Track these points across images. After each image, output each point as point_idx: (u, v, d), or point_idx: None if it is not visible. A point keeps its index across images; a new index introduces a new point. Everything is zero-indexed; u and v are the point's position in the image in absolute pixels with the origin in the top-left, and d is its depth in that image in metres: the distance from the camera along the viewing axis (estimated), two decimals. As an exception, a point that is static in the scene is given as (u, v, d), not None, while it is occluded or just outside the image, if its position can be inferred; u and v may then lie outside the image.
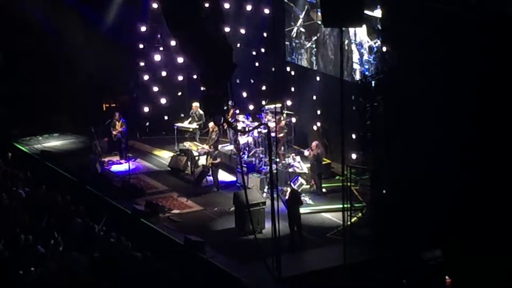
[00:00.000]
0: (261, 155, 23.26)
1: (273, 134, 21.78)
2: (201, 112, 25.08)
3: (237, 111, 25.35)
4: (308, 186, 22.41)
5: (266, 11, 26.32)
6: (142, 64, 27.83)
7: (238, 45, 26.66)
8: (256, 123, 24.33)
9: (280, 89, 25.14)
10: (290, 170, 22.70)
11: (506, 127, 17.05)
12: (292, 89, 26.08)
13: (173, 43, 26.35)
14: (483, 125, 17.33)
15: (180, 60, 27.25)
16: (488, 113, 17.23)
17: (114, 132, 25.36)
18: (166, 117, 27.91)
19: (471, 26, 17.23)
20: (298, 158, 23.02)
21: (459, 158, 17.69)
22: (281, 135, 23.65)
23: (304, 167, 22.74)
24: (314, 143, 22.69)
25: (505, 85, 16.93)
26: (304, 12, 25.05)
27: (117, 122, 25.35)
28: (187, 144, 24.49)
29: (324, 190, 22.45)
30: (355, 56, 22.71)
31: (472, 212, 17.50)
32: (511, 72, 16.86)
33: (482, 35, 17.00)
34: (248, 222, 19.44)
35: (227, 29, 25.14)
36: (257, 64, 27.33)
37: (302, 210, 20.05)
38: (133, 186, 22.99)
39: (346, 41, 22.43)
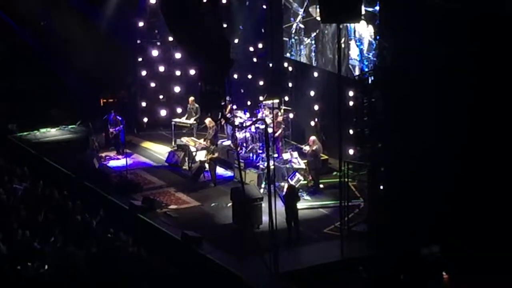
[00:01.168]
0: (258, 151, 23.25)
1: (270, 130, 21.78)
2: (197, 105, 25.13)
3: (235, 107, 25.35)
4: (306, 182, 22.40)
5: (264, 6, 26.29)
6: (139, 59, 27.79)
7: (236, 40, 26.63)
8: (253, 119, 24.33)
9: (278, 85, 25.16)
10: (288, 165, 22.69)
11: (505, 123, 17.07)
12: (290, 84, 26.07)
13: (170, 38, 26.31)
14: (482, 121, 17.34)
15: (177, 55, 27.23)
16: (487, 109, 17.25)
17: (111, 130, 25.31)
18: (163, 113, 27.88)
19: (470, 23, 17.24)
20: (295, 153, 23.01)
21: (457, 154, 17.71)
22: (279, 132, 23.62)
23: (302, 163, 22.72)
24: (311, 138, 22.68)
25: (503, 81, 16.95)
26: (303, 8, 25.05)
27: (115, 121, 25.30)
28: (185, 140, 24.47)
29: (321, 185, 22.44)
30: (355, 52, 22.69)
31: (470, 208, 17.52)
32: (508, 69, 16.88)
33: (480, 32, 17.01)
34: (246, 218, 19.43)
35: (225, 25, 25.14)
36: (254, 59, 27.29)
37: (299, 205, 20.07)
38: (130, 181, 22.98)
39: (344, 38, 22.45)
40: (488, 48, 17.00)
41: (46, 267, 16.25)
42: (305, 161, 22.72)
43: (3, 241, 17.03)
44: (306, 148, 22.72)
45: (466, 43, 17.21)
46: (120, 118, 25.32)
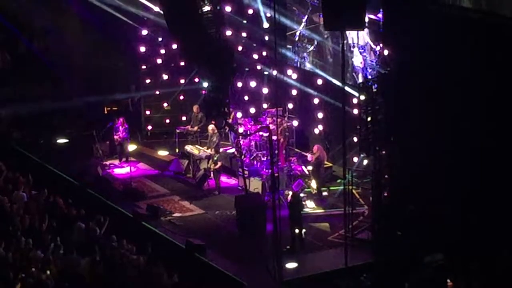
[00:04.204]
0: (262, 158, 23.24)
1: (274, 138, 21.79)
2: (202, 114, 25.15)
3: (239, 114, 25.36)
4: (310, 189, 22.38)
5: (268, 14, 26.31)
6: (143, 67, 27.82)
7: (240, 48, 26.66)
8: (257, 126, 24.32)
9: (281, 92, 25.14)
10: (292, 173, 22.69)
11: (508, 127, 17.05)
12: (294, 92, 26.06)
13: (174, 46, 26.37)
14: (486, 127, 17.33)
15: (181, 63, 27.24)
16: (490, 115, 17.22)
17: (116, 137, 25.37)
18: (167, 121, 27.90)
19: (473, 30, 17.26)
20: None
21: (461, 161, 17.69)
22: (282, 140, 23.60)
23: (306, 170, 22.73)
24: (315, 146, 22.70)
25: (505, 85, 16.94)
26: (306, 16, 25.07)
27: (120, 127, 25.34)
28: (189, 148, 24.48)
29: (325, 193, 22.43)
30: (358, 60, 22.71)
31: (474, 215, 17.49)
32: (510, 72, 16.88)
33: (484, 38, 17.02)
34: (250, 226, 19.42)
35: (228, 33, 25.18)
36: (258, 67, 27.30)
37: (303, 213, 20.07)
38: (134, 189, 22.99)
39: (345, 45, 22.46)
40: (492, 54, 17.00)
41: (50, 274, 16.23)
42: (310, 168, 22.71)
43: (7, 248, 17.02)
44: (309, 158, 22.69)
45: (470, 50, 17.21)
46: (127, 126, 25.33)
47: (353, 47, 22.83)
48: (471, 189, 17.57)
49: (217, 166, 22.98)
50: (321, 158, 22.48)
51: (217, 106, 19.03)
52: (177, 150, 25.50)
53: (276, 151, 22.36)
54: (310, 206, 21.61)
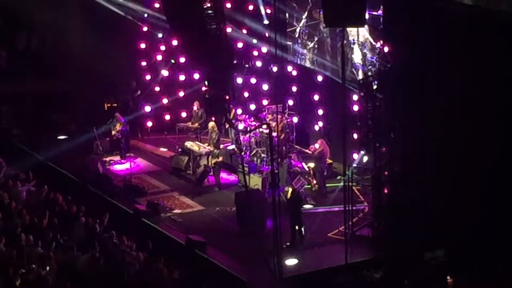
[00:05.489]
0: (262, 155, 23.24)
1: (274, 134, 21.78)
2: (202, 111, 25.14)
3: (239, 111, 25.33)
4: (310, 186, 22.38)
5: (268, 11, 26.30)
6: (144, 64, 27.79)
7: (240, 45, 26.64)
8: (257, 123, 24.32)
9: (281, 89, 25.15)
10: (292, 169, 22.69)
11: (508, 127, 17.06)
12: (294, 89, 26.06)
13: (175, 42, 26.35)
14: (486, 124, 17.34)
15: (182, 59, 27.22)
16: (491, 112, 17.24)
17: (113, 132, 25.36)
18: (167, 117, 27.87)
19: (473, 26, 17.26)
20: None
21: (461, 157, 17.71)
22: (282, 136, 23.59)
23: (306, 167, 22.72)
24: (319, 141, 22.69)
25: (506, 81, 16.96)
26: (306, 12, 25.05)
27: (116, 122, 25.35)
28: (189, 144, 24.45)
29: (325, 190, 22.42)
30: (358, 57, 22.71)
31: (475, 211, 17.51)
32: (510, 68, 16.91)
33: (482, 33, 17.03)
34: (250, 222, 19.43)
35: (229, 29, 25.17)
36: (259, 64, 27.28)
37: (303, 209, 20.06)
38: (134, 186, 22.99)
39: (345, 41, 22.46)
40: (492, 51, 17.01)
41: (50, 271, 16.25)
42: (310, 164, 22.70)
43: (7, 245, 17.04)
44: (315, 147, 22.65)
45: (470, 46, 17.22)
46: (123, 120, 25.33)
47: (353, 43, 22.82)
48: (472, 186, 17.58)
49: (219, 159, 22.98)
50: (324, 153, 22.44)
51: (218, 103, 19.00)
52: (177, 147, 25.45)
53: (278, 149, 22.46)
54: (310, 202, 21.60)
